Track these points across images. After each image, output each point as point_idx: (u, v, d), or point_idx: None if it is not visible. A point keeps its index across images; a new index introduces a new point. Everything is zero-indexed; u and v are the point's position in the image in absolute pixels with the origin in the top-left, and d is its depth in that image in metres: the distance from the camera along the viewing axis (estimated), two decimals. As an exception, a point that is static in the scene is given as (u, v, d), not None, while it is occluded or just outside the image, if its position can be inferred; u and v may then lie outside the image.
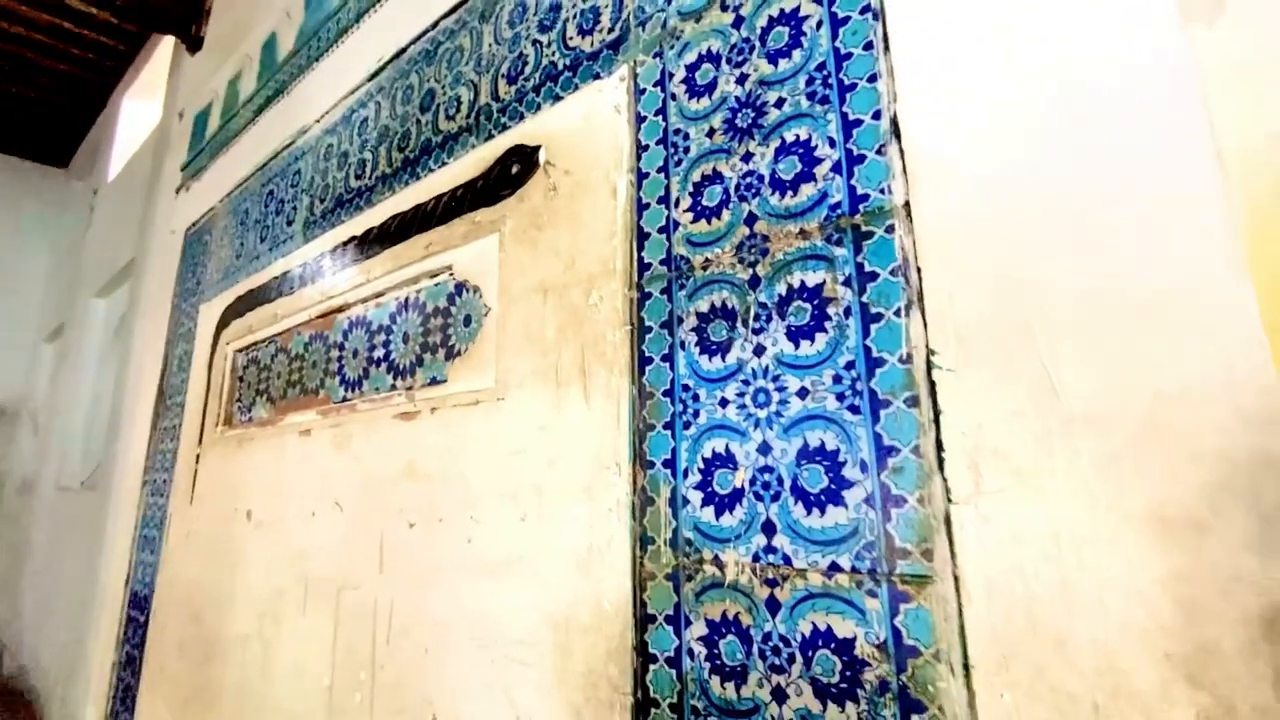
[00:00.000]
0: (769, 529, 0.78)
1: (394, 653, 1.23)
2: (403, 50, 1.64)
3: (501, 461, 1.13)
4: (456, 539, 1.16)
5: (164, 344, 2.59)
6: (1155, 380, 0.57)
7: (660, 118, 1.02)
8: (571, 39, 1.21)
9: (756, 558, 0.78)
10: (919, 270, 0.72)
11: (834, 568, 0.72)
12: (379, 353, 1.50)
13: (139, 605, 2.27)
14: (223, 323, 2.15)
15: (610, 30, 1.14)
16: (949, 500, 0.66)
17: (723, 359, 0.86)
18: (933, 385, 0.69)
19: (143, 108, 4.87)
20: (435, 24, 1.55)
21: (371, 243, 1.55)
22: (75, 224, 5.45)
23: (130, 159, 4.34)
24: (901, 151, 0.76)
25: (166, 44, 4.09)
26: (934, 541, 0.66)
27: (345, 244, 1.64)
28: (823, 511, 0.74)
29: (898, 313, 0.73)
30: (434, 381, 1.34)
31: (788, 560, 0.75)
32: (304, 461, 1.62)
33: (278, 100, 2.17)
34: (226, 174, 2.40)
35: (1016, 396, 0.64)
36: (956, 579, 0.64)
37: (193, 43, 3.34)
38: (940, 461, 0.67)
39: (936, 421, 0.68)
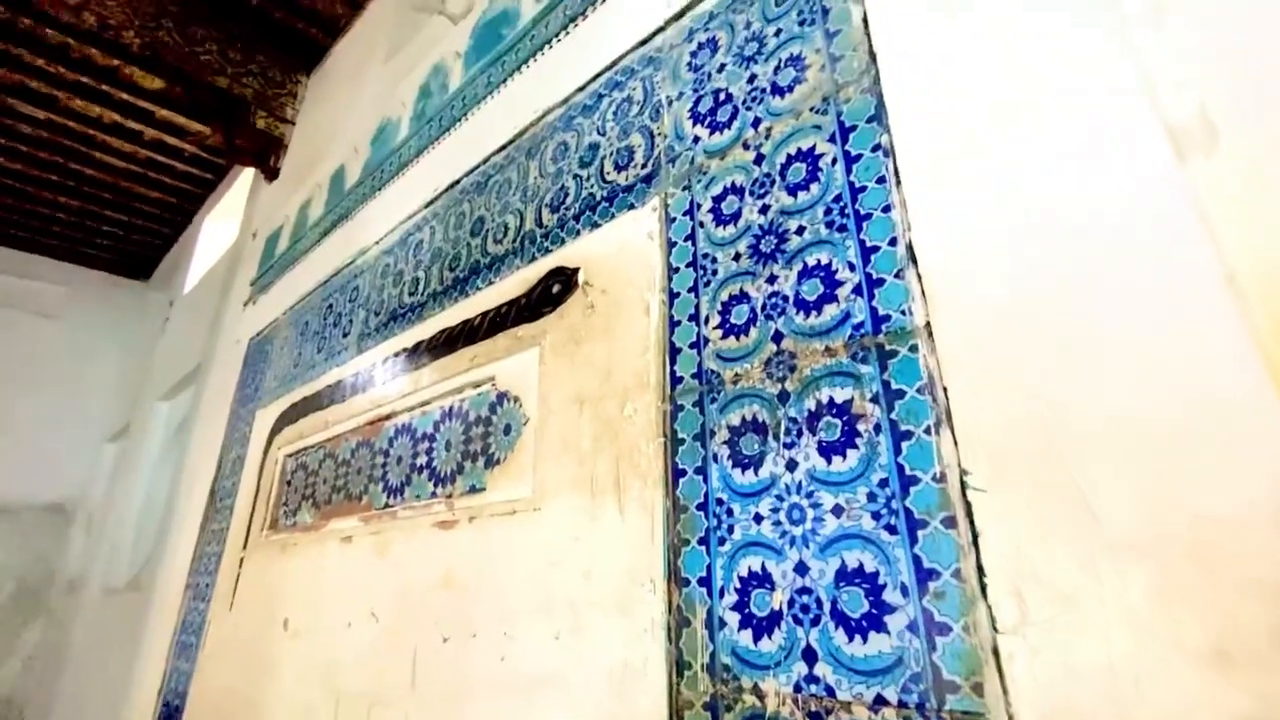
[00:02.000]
0: (810, 656, 0.75)
1: (422, 780, 1.18)
2: (456, 182, 1.81)
3: (537, 573, 1.13)
4: (490, 656, 1.14)
5: (219, 447, 2.71)
6: (1194, 506, 0.56)
7: (690, 243, 1.10)
8: (608, 174, 1.33)
9: (798, 688, 0.75)
10: (945, 389, 0.74)
11: (880, 701, 0.69)
12: (421, 460, 1.55)
13: (170, 717, 2.24)
14: (276, 428, 2.25)
15: (643, 166, 1.25)
16: (995, 629, 0.64)
17: (755, 473, 0.88)
18: (969, 505, 0.69)
19: (221, 228, 5.37)
20: (486, 159, 1.72)
21: (420, 354, 1.64)
22: (149, 332, 5.88)
23: (206, 273, 4.74)
24: (919, 275, 0.81)
25: (247, 173, 4.58)
26: (983, 674, 0.63)
27: (396, 355, 1.74)
28: (865, 638, 0.72)
29: (927, 430, 0.74)
30: (473, 489, 1.37)
31: (831, 692, 0.72)
32: (344, 569, 1.63)
33: (342, 224, 2.39)
34: (291, 289, 2.61)
35: (1053, 519, 0.63)
36: (1010, 717, 0.61)
37: (270, 173, 3.74)
38: (983, 587, 0.66)
39: (975, 544, 0.67)
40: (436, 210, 1.86)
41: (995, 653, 0.63)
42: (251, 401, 2.57)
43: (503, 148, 1.68)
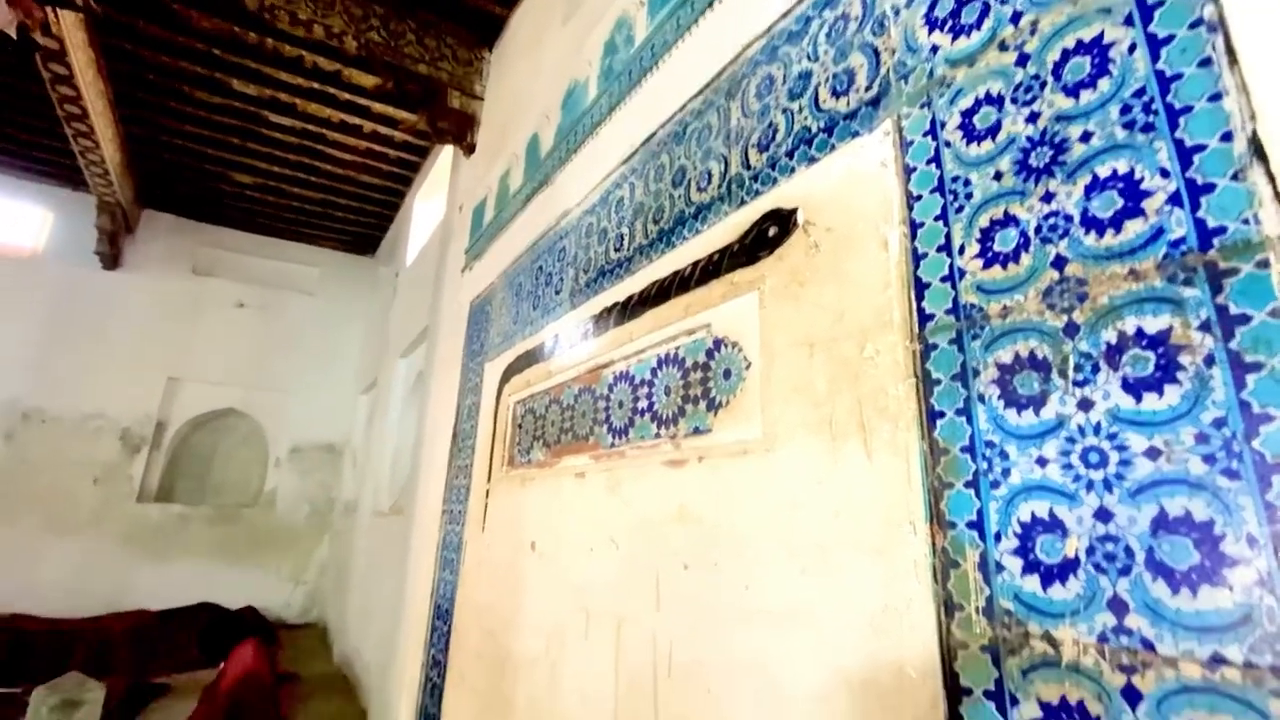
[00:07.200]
0: (1118, 607, 0.69)
1: (675, 689, 1.31)
2: (652, 135, 1.84)
3: (776, 512, 1.16)
4: (734, 584, 1.22)
5: (455, 395, 3.14)
6: None
7: (933, 166, 1.01)
8: (824, 102, 1.26)
9: (1104, 639, 0.70)
10: (1315, 311, 0.61)
11: (1217, 660, 0.62)
12: (642, 404, 1.66)
13: (441, 616, 2.72)
14: (504, 378, 2.54)
15: (868, 89, 1.16)
16: (1401, 593, 0.54)
17: (1036, 413, 0.81)
18: (1355, 449, 0.58)
19: (429, 205, 6.05)
20: (683, 107, 1.72)
21: (632, 306, 1.73)
22: (383, 300, 6.89)
23: (423, 247, 5.40)
24: (1271, 175, 0.66)
25: (447, 152, 5.07)
26: (1379, 643, 0.54)
27: (609, 309, 1.85)
28: (1194, 592, 0.65)
29: (1286, 361, 0.62)
30: (697, 431, 1.43)
31: (1149, 645, 0.67)
32: (579, 501, 1.83)
33: (542, 189, 2.56)
34: (502, 254, 2.88)
35: None
36: None
37: (468, 149, 4.10)
38: (1380, 543, 0.55)
39: (1367, 493, 0.56)
40: (634, 166, 1.91)
41: (1400, 620, 0.53)
42: (480, 355, 2.92)
43: (699, 92, 1.66)
